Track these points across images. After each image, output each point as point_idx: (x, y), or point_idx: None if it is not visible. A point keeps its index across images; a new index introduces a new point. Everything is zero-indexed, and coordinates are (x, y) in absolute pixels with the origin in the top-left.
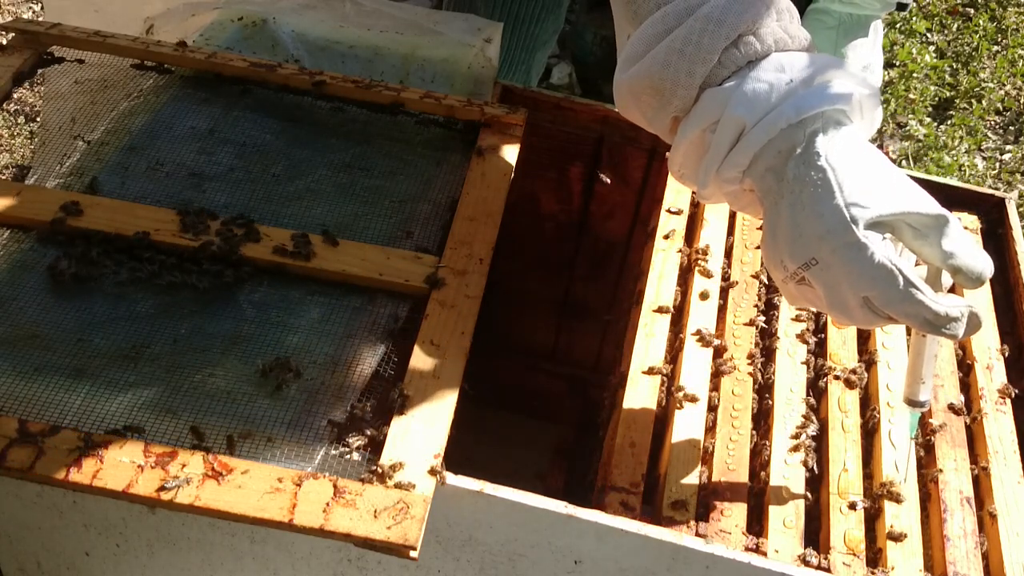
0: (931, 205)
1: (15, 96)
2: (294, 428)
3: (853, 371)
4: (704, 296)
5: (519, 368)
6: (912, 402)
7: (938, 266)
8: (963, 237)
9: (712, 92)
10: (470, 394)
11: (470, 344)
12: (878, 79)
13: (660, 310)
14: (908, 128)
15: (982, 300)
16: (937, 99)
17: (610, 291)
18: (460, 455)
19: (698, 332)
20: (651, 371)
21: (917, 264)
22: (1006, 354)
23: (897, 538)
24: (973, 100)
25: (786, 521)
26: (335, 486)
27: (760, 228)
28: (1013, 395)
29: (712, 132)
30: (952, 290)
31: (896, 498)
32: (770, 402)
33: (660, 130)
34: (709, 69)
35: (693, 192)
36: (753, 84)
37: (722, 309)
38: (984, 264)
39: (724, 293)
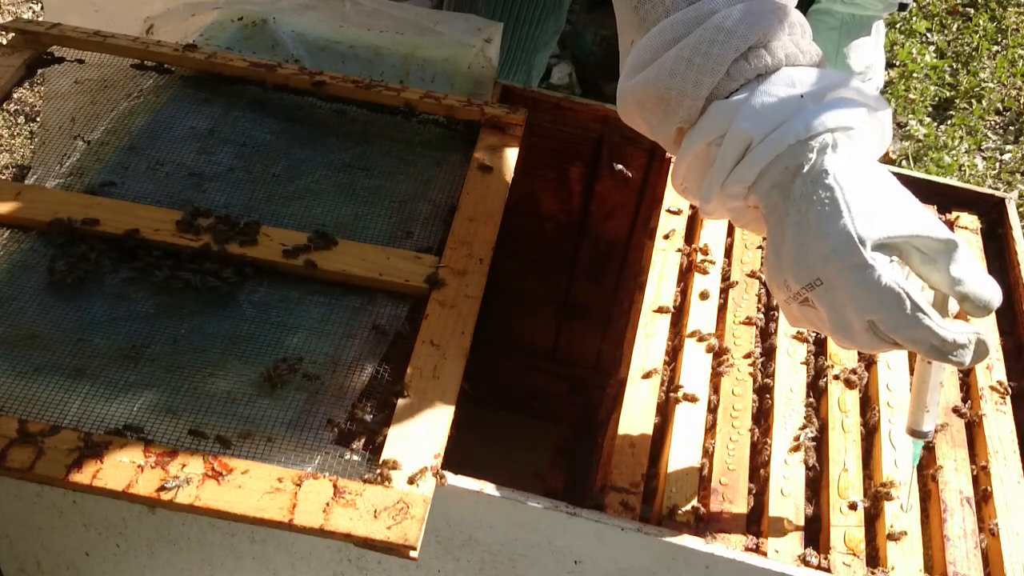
0: (941, 230)
1: (15, 96)
2: (294, 428)
3: (853, 371)
4: (704, 296)
5: (519, 368)
6: (915, 433)
7: (945, 292)
8: (972, 263)
9: (719, 104)
10: (470, 394)
11: (470, 344)
12: (880, 79)
13: (660, 310)
14: (908, 128)
15: None
16: (937, 99)
17: (610, 291)
18: (460, 455)
19: (698, 332)
20: (651, 372)
21: (923, 290)
22: (1006, 345)
23: (897, 538)
24: (973, 100)
25: (786, 521)
26: (335, 486)
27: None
28: (1009, 391)
29: (718, 146)
30: (957, 316)
31: (888, 497)
32: (770, 402)
33: (664, 141)
34: (717, 80)
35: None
36: (762, 98)
37: (722, 309)
38: (993, 292)
39: (724, 293)
